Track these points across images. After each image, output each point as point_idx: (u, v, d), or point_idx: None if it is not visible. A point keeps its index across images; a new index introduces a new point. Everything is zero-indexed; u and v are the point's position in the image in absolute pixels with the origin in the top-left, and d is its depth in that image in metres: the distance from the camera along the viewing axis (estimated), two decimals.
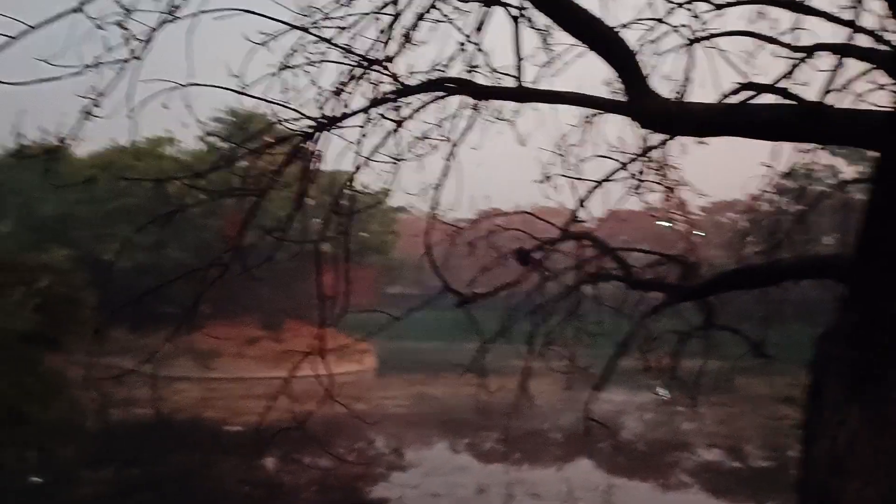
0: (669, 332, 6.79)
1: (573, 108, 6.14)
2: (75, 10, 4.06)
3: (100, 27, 4.35)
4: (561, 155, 6.08)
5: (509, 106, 6.20)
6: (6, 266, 7.86)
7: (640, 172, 5.88)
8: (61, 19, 4.08)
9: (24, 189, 55.12)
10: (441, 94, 4.38)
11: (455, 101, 5.12)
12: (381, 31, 5.25)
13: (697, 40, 5.19)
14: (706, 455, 26.92)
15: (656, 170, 5.94)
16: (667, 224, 7.57)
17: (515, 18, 4.32)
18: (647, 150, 5.58)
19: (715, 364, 7.06)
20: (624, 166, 5.69)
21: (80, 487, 21.26)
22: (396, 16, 4.35)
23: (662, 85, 4.88)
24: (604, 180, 5.62)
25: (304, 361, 4.44)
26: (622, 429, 32.18)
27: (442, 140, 5.33)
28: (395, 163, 5.61)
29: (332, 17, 4.80)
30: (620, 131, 5.76)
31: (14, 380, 6.77)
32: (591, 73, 5.20)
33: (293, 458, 22.14)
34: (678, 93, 4.16)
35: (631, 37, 4.86)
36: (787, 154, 6.05)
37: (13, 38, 4.14)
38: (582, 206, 5.55)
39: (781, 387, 16.40)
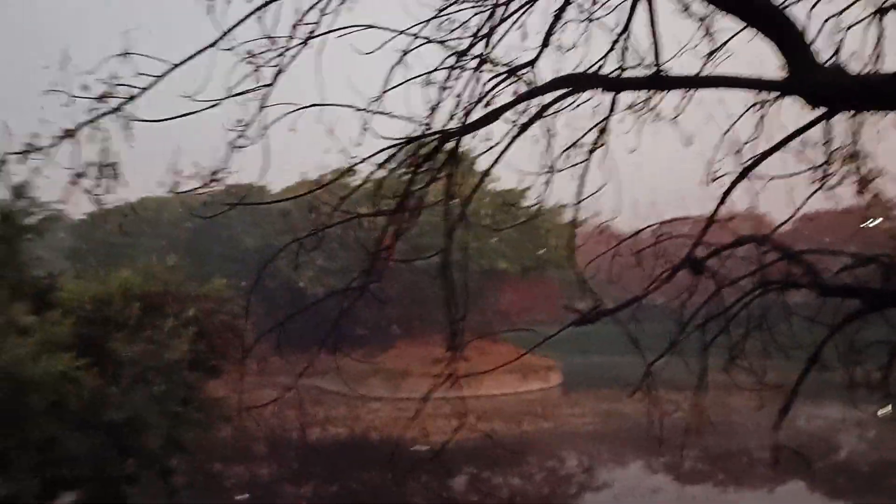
0: (878, 343, 5.88)
1: (742, 100, 5.56)
2: (212, 45, 4.14)
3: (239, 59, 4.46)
4: (737, 152, 5.46)
5: (671, 104, 5.70)
6: (156, 296, 8.38)
7: (827, 163, 5.13)
8: (201, 55, 4.18)
9: (230, 223, 60.41)
10: (571, 90, 4.01)
11: (605, 102, 4.75)
12: (523, 37, 4.98)
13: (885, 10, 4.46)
14: None
15: (847, 159, 5.16)
16: (866, 224, 6.62)
17: (650, 2, 3.87)
18: (828, 139, 4.84)
19: None
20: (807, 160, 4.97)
21: (284, 501, 22.50)
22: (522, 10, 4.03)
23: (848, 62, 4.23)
24: (781, 176, 4.94)
25: (443, 383, 4.18)
26: (840, 447, 29.35)
27: (598, 146, 4.97)
28: (549, 172, 5.29)
29: (467, 26, 4.59)
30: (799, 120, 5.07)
31: (167, 408, 7.17)
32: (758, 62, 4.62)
33: (481, 478, 22.10)
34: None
35: (802, 11, 4.24)
36: None
37: (158, 76, 4.31)
38: (755, 204, 4.89)
39: None
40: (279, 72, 4.29)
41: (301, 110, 4.21)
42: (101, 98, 4.67)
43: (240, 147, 4.79)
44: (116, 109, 4.66)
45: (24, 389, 6.11)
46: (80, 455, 6.67)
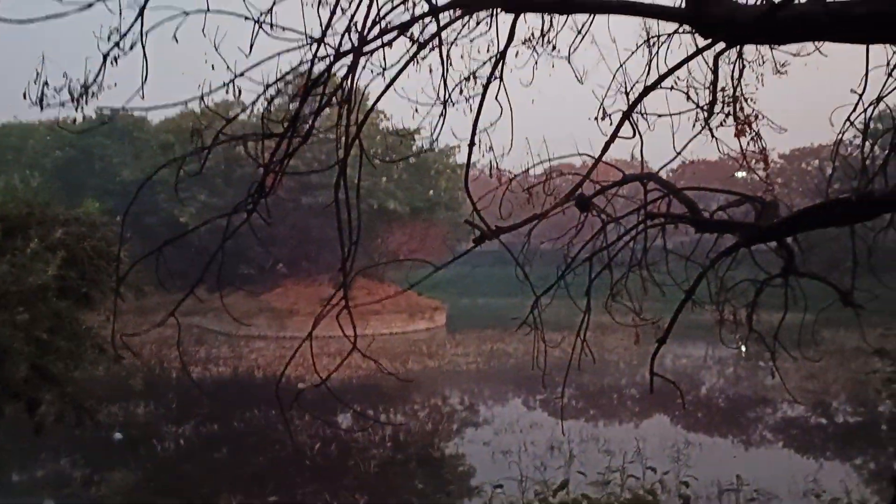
0: (746, 282, 6.21)
1: (635, 37, 5.64)
2: None
3: None
4: (627, 92, 5.55)
5: (565, 41, 5.71)
6: (18, 218, 7.82)
7: (712, 104, 5.30)
8: None
9: (105, 154, 57.28)
10: (472, 9, 3.92)
11: (502, 32, 4.68)
12: None
13: None
14: (790, 411, 25.97)
15: (728, 101, 5.36)
16: (743, 174, 6.91)
17: None
18: (714, 80, 4.98)
19: (799, 316, 6.47)
20: (689, 98, 5.12)
21: (163, 442, 22.04)
22: None
23: None
24: (666, 115, 5.06)
25: (334, 318, 4.09)
26: (701, 384, 31.45)
27: (493, 79, 4.90)
28: (443, 105, 5.21)
29: None
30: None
31: (33, 336, 6.79)
32: None
33: (367, 417, 22.33)
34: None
35: None
36: (877, 82, 5.37)
37: None
38: (640, 137, 4.99)
39: (872, 339, 15.46)
40: None
41: (183, 18, 3.91)
42: None
43: (115, 58, 4.44)
44: None
45: None
46: None
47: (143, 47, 4.15)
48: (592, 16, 5.04)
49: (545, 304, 5.85)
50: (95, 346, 8.10)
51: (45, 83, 4.52)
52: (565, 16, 4.83)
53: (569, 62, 5.81)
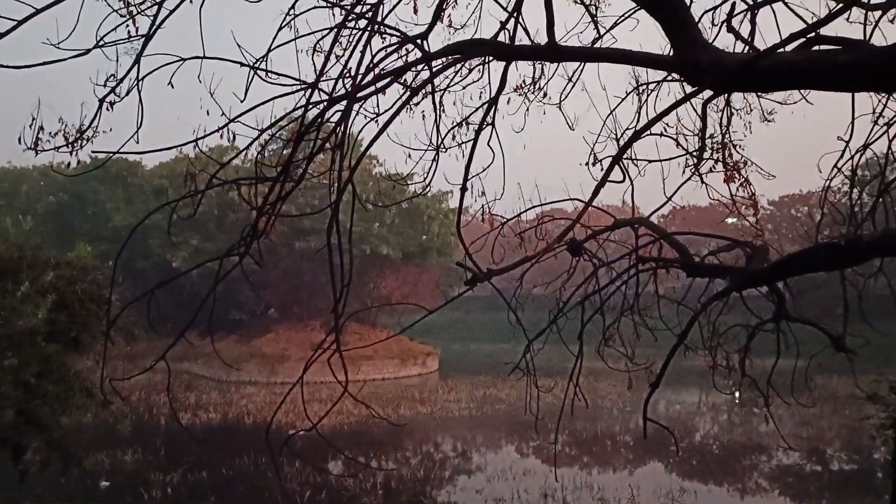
0: (738, 326, 6.22)
1: (625, 84, 5.74)
2: None
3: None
4: (617, 138, 5.63)
5: (556, 88, 5.80)
6: (9, 261, 7.81)
7: (701, 150, 5.37)
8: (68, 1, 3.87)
9: (98, 199, 57.31)
10: (462, 56, 3.99)
11: (494, 82, 4.76)
12: (414, 11, 4.93)
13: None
14: (785, 459, 25.72)
15: (717, 147, 5.43)
16: (733, 220, 6.96)
17: None
18: (703, 126, 5.05)
19: (792, 362, 6.46)
20: (678, 144, 5.19)
21: (150, 490, 21.61)
22: None
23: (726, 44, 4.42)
24: (656, 160, 5.13)
25: (326, 363, 4.07)
26: (695, 431, 31.20)
27: (486, 125, 4.97)
28: (435, 150, 5.27)
29: None
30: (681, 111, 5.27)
31: (21, 380, 6.72)
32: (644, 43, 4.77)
33: (358, 462, 22.02)
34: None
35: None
36: (863, 129, 5.46)
37: (19, 21, 3.96)
38: (630, 182, 5.04)
39: (865, 384, 15.40)
40: (156, 23, 4.03)
41: (181, 63, 3.97)
42: None
43: (111, 104, 4.49)
44: None
45: None
46: None
47: (140, 93, 4.20)
48: (583, 64, 5.13)
49: (537, 349, 5.84)
50: (84, 391, 8.01)
51: (41, 128, 4.57)
52: (556, 64, 4.92)
53: (560, 109, 5.90)
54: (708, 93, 4.10)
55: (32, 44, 4.03)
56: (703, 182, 5.60)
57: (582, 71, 5.26)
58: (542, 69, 5.40)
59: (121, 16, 4.23)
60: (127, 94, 4.27)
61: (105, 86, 4.32)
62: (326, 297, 44.07)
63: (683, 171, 5.82)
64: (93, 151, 4.83)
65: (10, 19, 4.02)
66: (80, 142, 4.62)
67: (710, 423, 33.69)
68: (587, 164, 5.45)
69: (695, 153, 5.36)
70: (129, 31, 4.24)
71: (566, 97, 5.81)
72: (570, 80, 5.37)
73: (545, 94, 5.75)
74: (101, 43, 4.04)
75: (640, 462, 26.12)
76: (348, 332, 45.11)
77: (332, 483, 21.49)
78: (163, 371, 4.41)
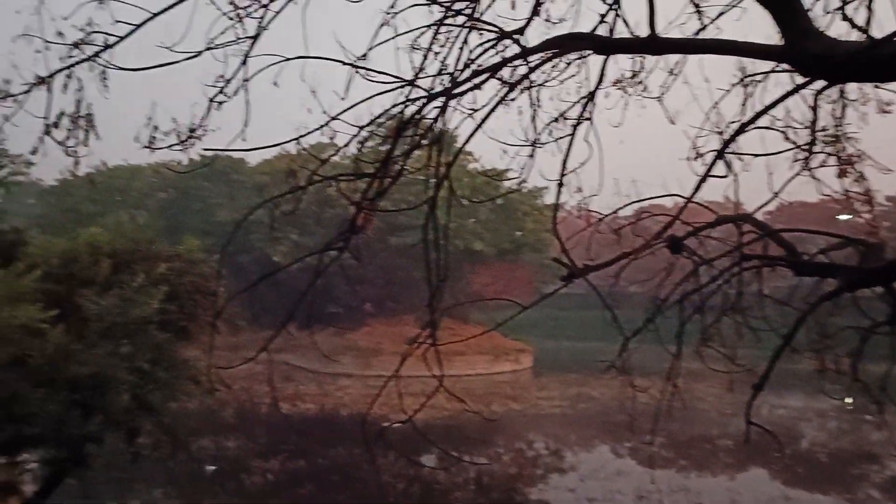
0: (849, 329, 5.91)
1: (729, 76, 5.53)
2: None
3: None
4: (720, 132, 5.43)
5: (656, 81, 5.65)
6: (126, 254, 8.25)
7: (812, 144, 5.12)
8: (182, 5, 4.06)
9: (204, 195, 59.91)
10: (560, 51, 3.94)
11: (592, 77, 4.68)
12: (511, 6, 4.90)
13: None
14: None
15: (830, 141, 5.16)
16: (845, 217, 6.61)
17: None
18: (814, 119, 4.81)
19: None
20: (787, 137, 4.95)
21: (251, 476, 22.45)
22: None
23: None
24: (763, 154, 4.91)
25: (419, 357, 4.12)
26: (801, 437, 29.91)
27: (583, 119, 4.89)
28: (531, 146, 5.23)
29: None
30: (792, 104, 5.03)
31: (134, 367, 7.09)
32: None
33: (451, 456, 22.19)
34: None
35: None
36: None
37: (137, 25, 4.18)
38: (734, 179, 4.85)
39: None
40: (262, 25, 4.17)
41: (284, 63, 4.10)
42: (77, 45, 4.52)
43: (219, 103, 4.67)
44: (92, 58, 4.51)
45: None
46: (42, 411, 6.55)
47: (246, 93, 4.35)
48: (685, 56, 4.98)
49: (633, 348, 5.72)
50: (191, 379, 8.40)
51: (155, 127, 4.80)
52: (657, 56, 4.79)
53: (660, 102, 5.74)
54: (820, 83, 3.90)
55: (148, 47, 4.24)
56: (813, 177, 5.33)
57: (684, 63, 5.10)
58: (643, 62, 5.27)
59: (229, 19, 4.39)
60: (234, 94, 4.43)
61: (214, 86, 4.50)
62: (420, 292, 44.54)
63: (792, 166, 5.57)
64: (203, 150, 5.04)
65: (128, 24, 4.26)
66: (190, 140, 4.82)
67: (816, 429, 32.20)
68: (688, 158, 5.29)
69: (805, 146, 5.12)
70: (236, 34, 4.40)
71: (667, 90, 5.66)
72: (671, 72, 5.21)
73: (645, 88, 5.61)
74: (211, 45, 4.20)
75: (740, 467, 25.23)
76: (441, 327, 45.29)
77: (424, 476, 21.74)
78: (263, 362, 4.56)
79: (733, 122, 5.37)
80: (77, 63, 4.50)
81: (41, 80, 4.57)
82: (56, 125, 4.71)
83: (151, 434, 7.96)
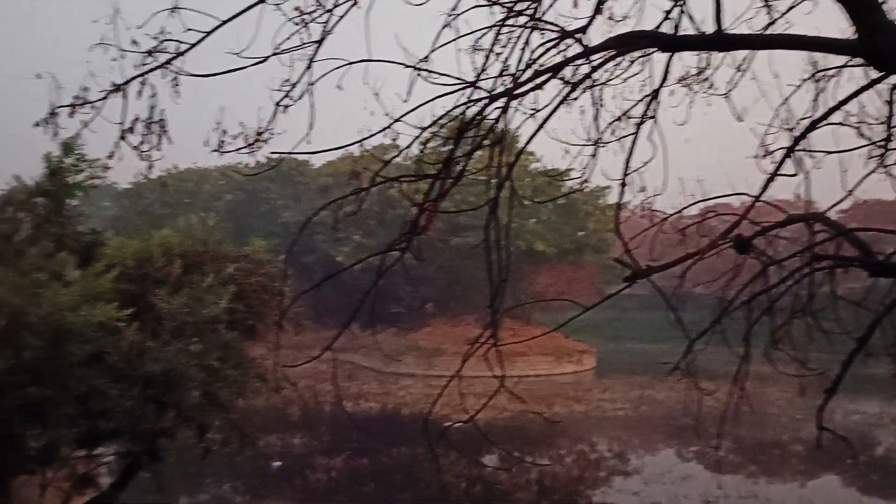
0: None
1: (799, 71, 5.39)
2: (260, 1, 4.11)
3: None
4: (791, 129, 5.29)
5: (723, 78, 5.53)
6: (196, 255, 8.52)
7: (888, 140, 4.94)
8: (249, 12, 4.16)
9: (269, 198, 61.24)
10: (624, 50, 3.89)
11: (656, 75, 4.62)
12: (573, 5, 4.87)
13: None
14: None
15: None
16: None
17: None
18: (890, 114, 4.64)
19: None
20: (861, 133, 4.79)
21: (315, 473, 22.82)
22: None
23: None
24: (835, 151, 4.77)
25: (481, 358, 4.13)
26: (876, 444, 28.83)
27: (647, 118, 4.83)
28: (594, 145, 5.19)
29: None
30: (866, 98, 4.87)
31: (204, 364, 7.31)
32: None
33: (513, 456, 22.13)
34: None
35: None
36: None
37: (206, 32, 4.31)
38: (805, 177, 4.71)
39: None
40: (326, 29, 4.25)
41: (348, 67, 4.17)
42: (150, 53, 4.68)
43: (285, 107, 4.77)
44: (165, 65, 4.66)
45: (65, 339, 6.25)
46: (118, 407, 6.81)
47: (311, 96, 4.43)
48: (753, 51, 4.87)
49: (699, 350, 5.61)
50: (258, 377, 8.62)
51: (224, 131, 4.94)
52: (723, 53, 4.70)
53: (727, 99, 5.63)
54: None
55: (217, 54, 4.37)
56: (889, 174, 5.15)
57: (752, 59, 4.98)
58: (709, 59, 5.17)
59: (295, 24, 4.48)
60: (300, 98, 4.52)
61: (280, 90, 4.61)
62: (482, 292, 44.55)
63: (866, 163, 5.39)
64: (270, 153, 5.16)
65: (198, 31, 4.40)
66: (257, 144, 4.94)
67: (893, 435, 30.98)
68: (756, 156, 5.17)
69: (880, 143, 4.94)
70: (301, 39, 4.49)
71: (734, 87, 5.54)
72: (738, 68, 5.10)
73: (711, 85, 5.50)
74: (277, 51, 4.30)
75: (812, 474, 24.47)
76: (502, 327, 45.21)
77: (486, 476, 21.73)
78: (327, 361, 4.64)
79: (804, 119, 5.22)
80: (151, 70, 4.66)
81: (117, 88, 4.74)
82: (131, 130, 4.88)
83: (220, 430, 8.20)
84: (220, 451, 8.57)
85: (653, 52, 4.40)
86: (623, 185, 4.55)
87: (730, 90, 5.59)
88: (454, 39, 4.41)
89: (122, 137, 4.82)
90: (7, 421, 6.11)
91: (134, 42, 4.70)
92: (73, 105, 4.70)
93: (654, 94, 4.37)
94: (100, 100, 4.69)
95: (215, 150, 4.81)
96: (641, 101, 5.21)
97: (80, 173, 7.97)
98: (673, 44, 3.69)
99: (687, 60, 5.64)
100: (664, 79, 4.10)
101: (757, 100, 5.68)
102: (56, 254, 7.23)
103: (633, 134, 4.71)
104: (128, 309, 6.93)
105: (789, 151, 4.20)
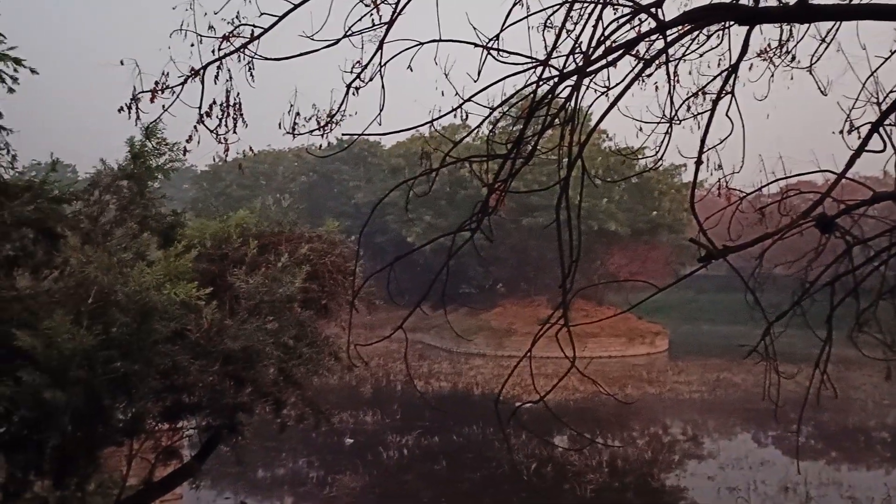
0: None
1: (889, 42, 5.13)
2: None
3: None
4: (876, 104, 5.05)
5: (806, 50, 5.32)
6: (271, 235, 8.71)
7: None
8: None
9: (342, 178, 62.15)
10: (700, 24, 3.77)
11: (734, 49, 4.47)
12: None
13: None
14: None
15: None
16: None
17: None
18: None
19: None
20: None
21: (387, 450, 23.22)
22: None
23: None
24: None
25: (552, 338, 4.10)
26: None
27: (725, 94, 4.69)
28: (668, 123, 5.08)
29: None
30: None
31: (280, 342, 7.48)
32: None
33: (584, 437, 22.03)
34: None
35: None
36: None
37: (280, 17, 4.39)
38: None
39: None
40: (397, 11, 4.27)
41: (418, 47, 4.18)
42: (226, 38, 4.80)
43: (357, 88, 4.82)
44: (240, 49, 4.78)
45: (149, 316, 6.51)
46: (200, 382, 7.06)
47: (382, 77, 4.47)
48: (838, 22, 4.66)
49: (778, 333, 5.45)
50: (332, 355, 8.79)
51: (297, 114, 5.04)
52: (806, 24, 4.51)
53: (810, 73, 5.41)
54: None
55: (290, 37, 4.45)
56: None
57: (837, 30, 4.76)
58: (791, 31, 4.98)
59: (365, 6, 4.52)
60: (370, 79, 4.56)
61: (351, 72, 4.67)
62: (553, 273, 44.25)
63: None
64: (342, 134, 5.24)
65: (272, 15, 4.48)
66: (329, 125, 5.02)
67: None
68: (842, 132, 4.96)
69: None
70: (372, 20, 4.52)
71: (818, 60, 5.31)
72: (823, 40, 4.89)
73: (793, 58, 5.30)
74: (349, 32, 4.34)
75: None
76: (574, 308, 45.03)
77: (557, 457, 21.70)
78: (399, 340, 4.71)
79: (893, 92, 4.98)
80: (227, 55, 4.78)
81: (195, 73, 4.88)
82: (208, 114, 5.03)
83: (296, 406, 8.42)
84: (295, 426, 8.80)
85: (731, 25, 4.26)
86: (699, 163, 4.44)
87: (813, 63, 5.37)
88: (525, 17, 4.37)
89: (200, 121, 4.97)
90: (96, 395, 6.42)
91: (211, 28, 4.83)
92: (153, 91, 4.88)
93: (733, 69, 4.24)
94: (178, 85, 4.85)
95: (289, 133, 4.92)
96: (719, 75, 5.07)
97: (161, 157, 8.24)
98: (752, 16, 3.56)
99: (768, 32, 5.45)
100: (743, 52, 3.96)
101: (843, 72, 5.44)
102: (140, 235, 7.52)
103: (709, 110, 4.58)
104: (207, 288, 7.15)
105: (876, 126, 4.01)
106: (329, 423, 9.61)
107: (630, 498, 20.05)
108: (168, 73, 4.88)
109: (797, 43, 4.78)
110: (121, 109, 4.84)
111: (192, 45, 4.82)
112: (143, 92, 4.92)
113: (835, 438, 25.86)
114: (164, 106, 4.93)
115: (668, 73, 4.78)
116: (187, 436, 8.87)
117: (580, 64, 4.22)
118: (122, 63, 4.72)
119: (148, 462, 8.47)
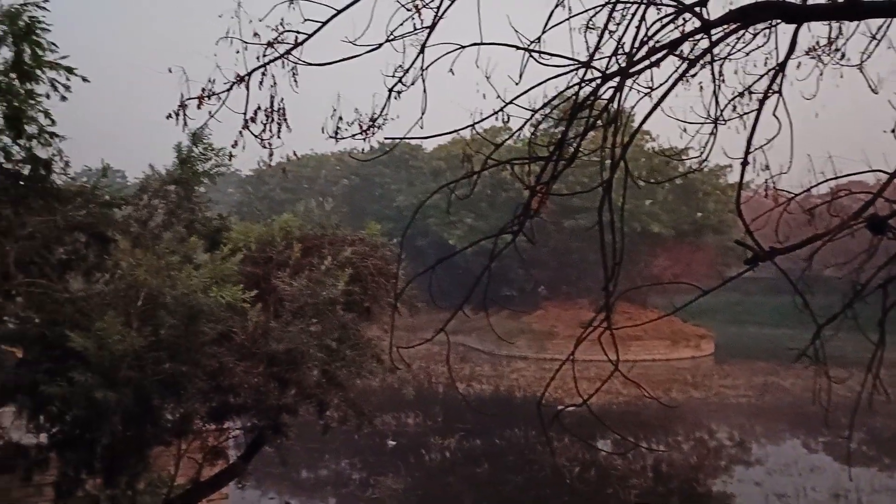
0: None
1: None
2: None
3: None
4: None
5: (856, 48, 5.20)
6: (314, 238, 8.81)
7: None
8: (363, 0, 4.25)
9: (384, 182, 62.53)
10: (748, 22, 3.71)
11: (783, 43, 4.39)
12: None
13: None
14: None
15: None
16: None
17: None
18: None
19: None
20: None
21: (430, 452, 23.27)
22: None
23: None
24: None
25: (595, 341, 4.07)
26: None
27: (772, 93, 4.60)
28: (713, 123, 5.01)
29: None
30: None
31: (324, 344, 7.57)
32: None
33: (628, 441, 21.80)
34: None
35: None
36: None
37: (323, 22, 4.44)
38: None
39: None
40: (439, 14, 4.28)
41: (459, 51, 4.19)
42: (271, 44, 4.87)
43: (398, 92, 4.85)
44: (284, 55, 4.84)
45: (197, 318, 6.64)
46: (245, 383, 7.18)
47: (423, 81, 4.49)
48: (889, 19, 4.55)
49: (828, 336, 5.33)
50: (374, 357, 8.87)
51: (340, 118, 5.09)
52: (856, 22, 4.41)
53: (861, 70, 5.28)
54: None
55: (333, 42, 4.50)
56: None
57: (888, 27, 4.64)
58: (840, 28, 4.87)
59: (407, 10, 4.55)
60: (412, 83, 4.58)
61: (393, 76, 4.70)
62: (595, 275, 43.95)
63: None
64: (385, 138, 5.27)
65: (315, 21, 4.54)
66: (371, 129, 5.06)
67: None
68: (893, 130, 4.84)
69: None
70: (414, 24, 4.55)
71: (868, 57, 5.19)
72: (873, 37, 4.76)
73: (843, 56, 5.18)
74: (391, 37, 4.37)
75: None
76: (617, 311, 44.40)
77: (600, 461, 21.50)
78: (441, 342, 4.71)
79: None
80: (271, 61, 4.84)
81: (240, 79, 4.95)
82: (253, 119, 5.11)
83: (339, 408, 8.51)
84: (338, 428, 8.89)
85: (778, 23, 4.19)
86: (745, 163, 4.37)
87: (864, 60, 5.24)
88: (567, 19, 4.35)
89: (245, 126, 5.05)
90: (146, 395, 6.58)
91: (255, 34, 4.90)
92: (200, 97, 4.97)
93: (780, 68, 4.16)
94: (224, 91, 4.93)
95: (332, 137, 4.97)
96: (765, 74, 4.97)
97: (208, 161, 8.41)
98: (800, 14, 3.49)
99: (816, 30, 5.33)
100: (791, 51, 3.89)
101: (894, 70, 5.31)
102: (187, 238, 7.68)
103: (756, 110, 4.50)
104: (252, 291, 7.28)
105: None
106: (371, 424, 9.68)
107: (675, 503, 19.77)
108: (214, 80, 4.96)
109: (847, 41, 4.67)
110: (169, 116, 4.94)
111: (238, 51, 4.90)
112: (190, 98, 5.01)
113: (887, 444, 25.15)
114: (210, 112, 5.01)
115: (712, 73, 4.71)
116: (233, 437, 9.02)
117: (623, 65, 4.18)
118: (170, 71, 4.82)
119: (195, 462, 8.63)
